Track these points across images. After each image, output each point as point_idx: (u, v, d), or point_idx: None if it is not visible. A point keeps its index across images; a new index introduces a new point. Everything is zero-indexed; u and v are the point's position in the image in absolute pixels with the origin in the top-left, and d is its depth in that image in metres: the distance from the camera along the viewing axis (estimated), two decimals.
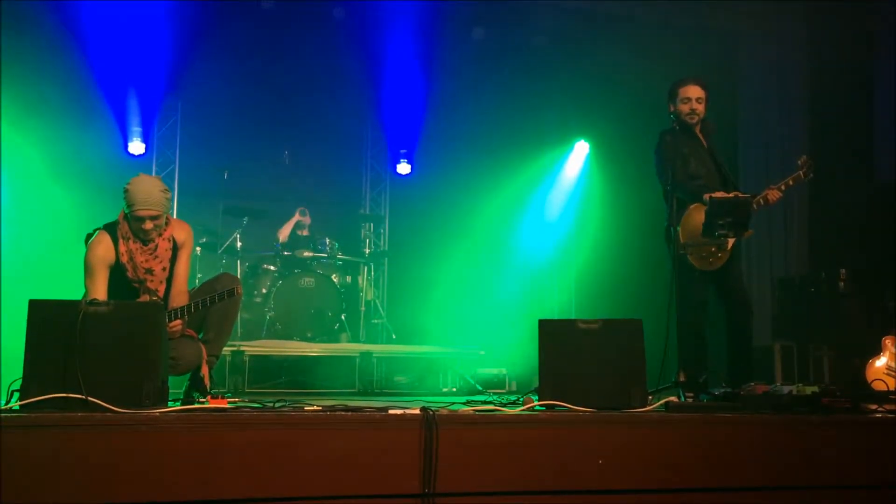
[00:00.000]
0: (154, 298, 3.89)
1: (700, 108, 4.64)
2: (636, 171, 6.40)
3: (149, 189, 3.88)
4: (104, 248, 3.89)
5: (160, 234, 3.97)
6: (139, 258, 3.92)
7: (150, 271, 3.94)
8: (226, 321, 4.09)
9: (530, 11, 7.95)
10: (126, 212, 3.91)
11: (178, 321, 3.84)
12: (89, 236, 3.92)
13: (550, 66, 8.31)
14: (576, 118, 8.74)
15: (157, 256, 3.96)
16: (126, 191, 3.89)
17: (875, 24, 7.49)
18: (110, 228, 3.96)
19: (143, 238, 3.92)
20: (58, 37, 7.17)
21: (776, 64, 8.12)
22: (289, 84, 8.24)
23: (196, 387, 3.98)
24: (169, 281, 4.02)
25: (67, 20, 7.14)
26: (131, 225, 3.92)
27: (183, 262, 4.07)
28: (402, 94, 8.49)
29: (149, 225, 3.88)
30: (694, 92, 4.64)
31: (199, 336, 4.04)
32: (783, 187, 4.49)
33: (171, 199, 8.03)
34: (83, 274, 3.90)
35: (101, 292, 3.83)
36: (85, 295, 3.83)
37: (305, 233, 7.93)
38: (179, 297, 3.99)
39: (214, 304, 3.91)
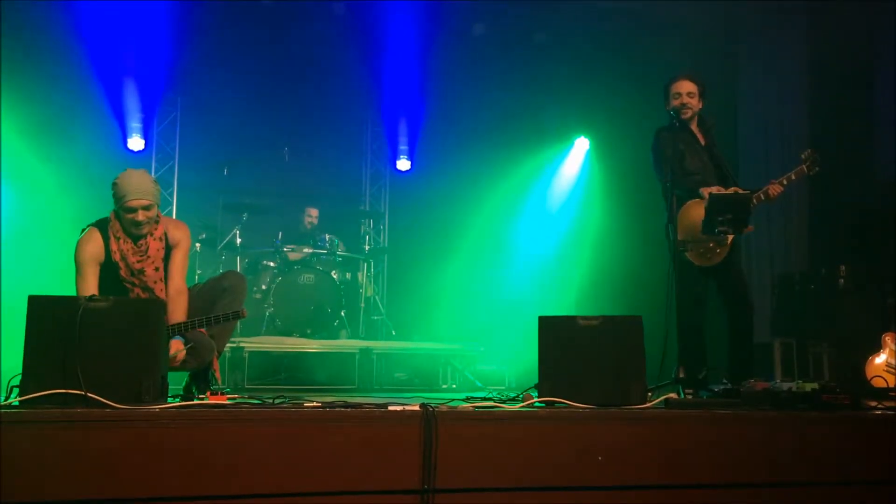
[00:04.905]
0: (145, 297, 3.87)
1: (692, 102, 4.62)
2: (636, 168, 6.40)
3: (139, 179, 3.83)
4: (94, 245, 3.83)
5: (151, 232, 3.90)
6: (131, 259, 3.86)
7: (141, 272, 3.89)
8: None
9: (531, 8, 7.95)
10: (116, 207, 3.86)
11: (182, 350, 3.74)
12: (81, 233, 3.89)
13: (551, 62, 8.31)
14: (576, 115, 8.75)
15: (148, 257, 3.89)
16: (115, 185, 3.83)
17: (875, 24, 7.48)
18: (101, 225, 3.90)
19: (136, 234, 3.85)
20: (57, 32, 7.16)
21: (776, 62, 8.11)
22: (289, 80, 8.23)
23: (203, 378, 3.97)
24: (166, 281, 3.97)
25: (67, 16, 7.13)
26: (123, 221, 3.85)
27: (178, 260, 4.00)
28: (402, 91, 8.49)
29: (141, 216, 3.81)
30: (685, 87, 4.62)
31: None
32: (785, 181, 4.47)
33: (171, 195, 8.11)
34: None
35: (90, 291, 3.75)
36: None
37: (314, 221, 7.94)
38: (179, 298, 3.94)
39: (222, 299, 3.91)
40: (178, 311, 3.86)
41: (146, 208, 3.83)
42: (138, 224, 3.83)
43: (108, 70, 7.47)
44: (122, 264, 3.86)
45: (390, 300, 8.63)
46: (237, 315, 3.86)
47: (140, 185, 3.82)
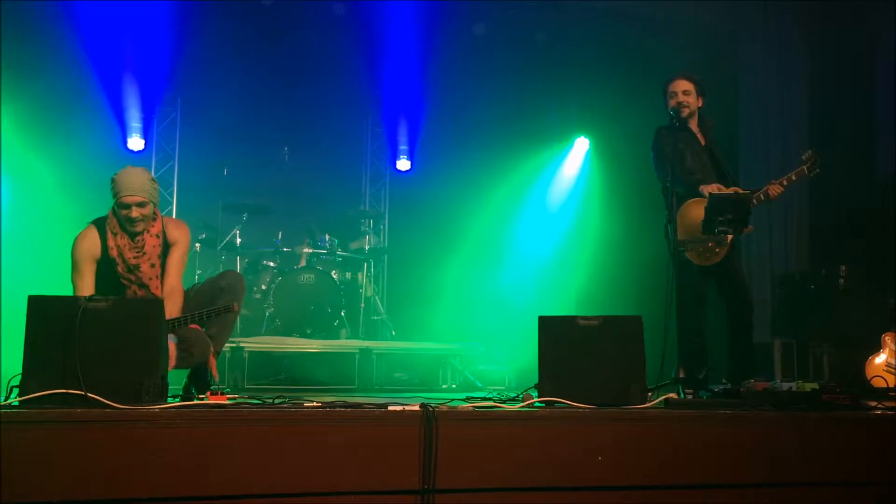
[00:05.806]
0: (142, 293, 3.88)
1: (689, 100, 4.63)
2: (636, 168, 6.40)
3: (135, 177, 3.87)
4: (89, 242, 3.87)
5: (147, 228, 3.93)
6: (128, 254, 3.89)
7: (136, 268, 3.91)
8: (229, 316, 4.08)
9: (531, 8, 7.95)
10: (113, 203, 3.89)
11: (172, 345, 3.73)
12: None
13: (551, 62, 8.31)
14: (576, 115, 8.75)
15: (144, 253, 3.92)
16: (113, 180, 3.88)
17: (875, 24, 7.48)
18: (99, 223, 3.94)
19: (131, 230, 3.89)
20: (57, 32, 7.16)
21: (776, 61, 8.12)
22: (289, 80, 8.22)
23: (202, 378, 3.97)
24: (162, 278, 3.99)
25: (67, 16, 7.13)
26: (119, 216, 3.88)
27: (175, 259, 4.02)
28: (402, 91, 8.48)
29: (135, 213, 3.85)
30: (680, 86, 4.65)
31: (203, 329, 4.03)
32: (785, 182, 4.48)
33: (171, 195, 8.10)
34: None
35: (87, 287, 3.80)
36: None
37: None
38: (172, 296, 3.95)
39: (220, 298, 3.91)
40: (171, 309, 3.86)
41: (140, 205, 3.86)
42: (132, 220, 3.87)
43: (108, 70, 7.46)
44: (119, 260, 3.88)
45: (390, 300, 8.62)
46: (228, 309, 3.87)
47: (135, 181, 3.85)
